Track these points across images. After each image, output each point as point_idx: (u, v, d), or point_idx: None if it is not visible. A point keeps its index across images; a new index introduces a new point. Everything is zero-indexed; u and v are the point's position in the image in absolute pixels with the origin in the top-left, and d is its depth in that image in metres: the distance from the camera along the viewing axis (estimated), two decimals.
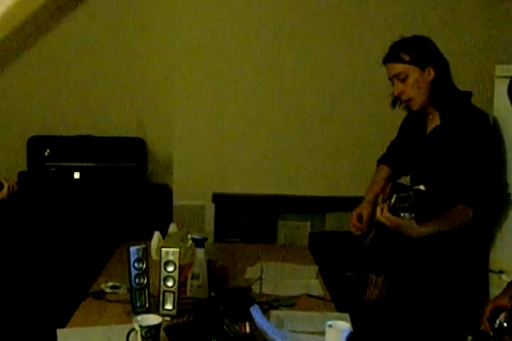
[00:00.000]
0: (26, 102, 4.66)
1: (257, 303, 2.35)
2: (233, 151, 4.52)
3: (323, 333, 2.13)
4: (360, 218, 2.96)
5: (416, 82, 2.70)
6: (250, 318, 2.24)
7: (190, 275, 2.64)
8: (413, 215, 2.41)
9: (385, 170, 3.12)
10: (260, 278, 2.79)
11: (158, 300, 2.46)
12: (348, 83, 4.45)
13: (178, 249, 2.47)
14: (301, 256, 3.41)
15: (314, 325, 2.39)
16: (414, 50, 2.71)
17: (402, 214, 2.41)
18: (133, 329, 2.11)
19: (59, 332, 2.31)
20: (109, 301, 2.64)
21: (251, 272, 3.03)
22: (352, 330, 2.08)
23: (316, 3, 4.40)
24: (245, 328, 2.22)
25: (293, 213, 4.54)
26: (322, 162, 4.53)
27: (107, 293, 2.73)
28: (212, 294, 2.60)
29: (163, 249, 2.48)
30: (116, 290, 2.75)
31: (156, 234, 3.13)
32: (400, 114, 2.98)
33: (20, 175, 4.34)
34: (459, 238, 2.66)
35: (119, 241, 3.46)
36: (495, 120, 2.83)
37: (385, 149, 3.19)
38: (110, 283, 2.79)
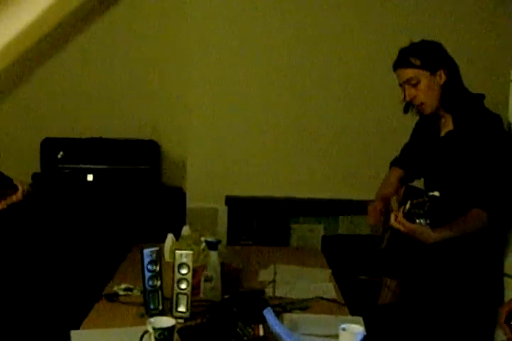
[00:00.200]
0: (40, 104, 4.67)
1: (270, 306, 2.34)
2: (246, 154, 4.52)
3: (336, 336, 2.13)
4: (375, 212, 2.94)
5: (428, 87, 2.69)
6: (264, 321, 2.24)
7: (203, 278, 2.64)
8: (428, 221, 2.40)
9: (397, 172, 3.11)
10: (273, 281, 2.79)
11: (172, 303, 2.46)
12: (361, 87, 4.45)
13: (191, 252, 2.47)
14: (315, 259, 3.40)
15: (328, 328, 2.38)
16: (425, 54, 2.70)
17: (417, 221, 2.40)
18: (146, 332, 2.11)
19: (73, 333, 2.32)
20: (123, 303, 2.64)
21: (264, 275, 3.03)
22: (365, 334, 2.07)
23: (328, 11, 4.40)
24: (259, 331, 2.22)
25: (306, 216, 4.53)
26: (335, 165, 4.52)
27: (121, 295, 2.73)
28: (226, 297, 2.60)
29: (176, 252, 2.48)
30: (130, 293, 2.75)
31: (170, 237, 3.14)
32: (412, 117, 2.97)
33: (34, 176, 4.35)
34: (474, 242, 2.65)
35: (133, 243, 3.47)
36: (510, 124, 2.81)
37: (398, 152, 3.18)
38: (123, 285, 2.79)
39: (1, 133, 4.58)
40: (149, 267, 2.47)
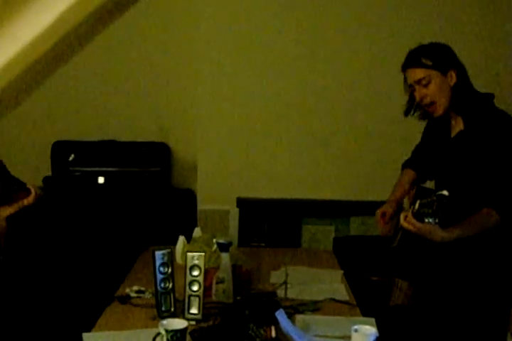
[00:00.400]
0: (51, 108, 4.68)
1: (282, 308, 2.34)
2: (257, 156, 4.52)
3: (348, 338, 2.12)
4: (384, 217, 2.94)
5: (439, 87, 2.68)
6: (276, 322, 2.23)
7: (215, 280, 2.64)
8: (437, 220, 2.39)
9: (409, 174, 3.11)
10: (285, 283, 2.79)
11: (184, 305, 2.46)
12: (371, 89, 4.44)
13: (203, 254, 2.47)
14: (326, 261, 3.40)
15: (340, 329, 2.37)
16: (436, 55, 2.69)
17: (426, 220, 2.39)
18: (158, 334, 2.12)
19: (85, 336, 2.32)
20: (135, 305, 2.65)
21: (275, 276, 3.02)
22: (378, 335, 2.07)
23: (338, 13, 4.40)
24: (271, 332, 2.22)
25: (317, 217, 4.53)
26: (346, 166, 4.52)
27: (133, 297, 2.73)
28: (238, 298, 2.60)
29: (188, 254, 2.48)
30: (142, 295, 2.75)
31: (181, 239, 3.14)
32: (419, 120, 2.97)
33: (45, 179, 4.37)
34: (487, 242, 2.64)
35: (144, 245, 3.47)
36: None
37: (409, 153, 3.17)
38: (135, 288, 2.80)
39: (13, 137, 4.60)
40: (161, 269, 2.48)
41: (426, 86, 2.68)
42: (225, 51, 4.44)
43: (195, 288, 2.45)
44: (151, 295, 2.69)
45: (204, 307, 2.45)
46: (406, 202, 2.87)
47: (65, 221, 4.19)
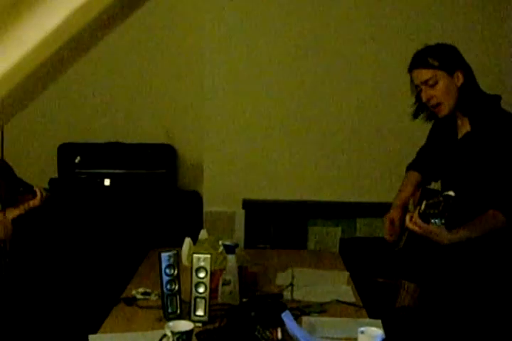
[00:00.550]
0: (57, 110, 4.68)
1: (288, 309, 2.34)
2: (263, 158, 4.52)
3: (355, 339, 2.12)
4: (392, 223, 2.94)
5: (446, 88, 2.67)
6: (282, 324, 2.23)
7: (221, 282, 2.64)
8: (443, 221, 2.38)
9: (414, 176, 3.10)
10: (291, 284, 2.79)
11: (190, 306, 2.46)
12: (375, 91, 4.43)
13: (209, 255, 2.48)
14: (332, 262, 3.40)
15: (346, 331, 2.37)
16: (442, 55, 2.69)
17: (432, 221, 2.39)
18: (164, 336, 2.12)
19: (91, 338, 2.33)
20: (141, 307, 2.65)
21: (282, 278, 3.02)
22: (384, 337, 2.07)
23: (342, 16, 4.40)
24: (277, 334, 2.22)
25: (323, 219, 4.52)
26: (352, 168, 4.51)
27: (139, 299, 2.74)
28: (244, 300, 2.60)
29: (194, 255, 2.48)
30: (148, 297, 2.75)
31: (187, 241, 3.14)
32: (425, 121, 2.96)
33: (51, 181, 4.37)
34: (493, 244, 2.63)
35: (150, 247, 3.47)
36: None
37: (414, 155, 3.17)
38: (141, 290, 2.80)
39: (19, 139, 4.60)
40: (167, 271, 2.48)
41: (433, 86, 2.68)
42: (230, 54, 4.44)
43: (201, 289, 2.45)
44: (157, 297, 2.69)
45: (210, 309, 2.46)
46: (410, 204, 2.87)
47: (71, 223, 4.19)
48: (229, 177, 4.53)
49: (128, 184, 4.41)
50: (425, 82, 2.69)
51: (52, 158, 4.50)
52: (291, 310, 2.39)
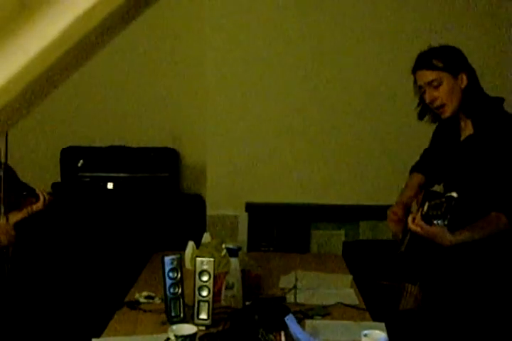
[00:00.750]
0: (59, 113, 4.69)
1: (291, 313, 2.34)
2: (266, 161, 4.52)
3: None
4: (396, 215, 2.93)
5: (450, 89, 2.67)
6: (285, 328, 2.23)
7: (224, 285, 2.64)
8: (446, 223, 2.38)
9: (418, 178, 3.09)
10: (294, 288, 2.79)
11: (193, 310, 2.46)
12: (378, 93, 4.44)
13: (212, 259, 2.48)
14: (335, 265, 3.40)
15: (349, 334, 2.37)
16: (447, 57, 2.69)
17: (434, 222, 2.38)
18: (168, 339, 2.12)
19: None
20: (144, 311, 2.65)
21: (285, 281, 3.02)
22: (388, 340, 2.07)
23: (346, 18, 4.40)
24: (280, 338, 2.21)
25: (326, 222, 4.52)
26: (355, 171, 4.51)
27: (142, 302, 2.74)
28: (247, 303, 2.60)
29: (197, 259, 2.48)
30: (151, 300, 2.75)
31: (190, 244, 3.15)
32: (431, 123, 2.96)
33: (54, 185, 4.37)
34: (496, 246, 2.63)
35: (153, 251, 3.48)
36: None
37: (417, 158, 3.17)
38: (145, 293, 2.80)
39: (22, 143, 4.61)
40: (170, 275, 2.48)
41: (437, 88, 2.68)
42: (234, 59, 4.44)
43: (204, 293, 2.45)
44: (160, 301, 2.70)
45: (213, 313, 2.46)
46: (413, 205, 2.86)
47: (74, 226, 4.19)
48: (232, 180, 4.53)
49: (131, 188, 4.41)
50: (429, 83, 2.69)
51: (55, 162, 4.50)
52: (294, 313, 2.39)
